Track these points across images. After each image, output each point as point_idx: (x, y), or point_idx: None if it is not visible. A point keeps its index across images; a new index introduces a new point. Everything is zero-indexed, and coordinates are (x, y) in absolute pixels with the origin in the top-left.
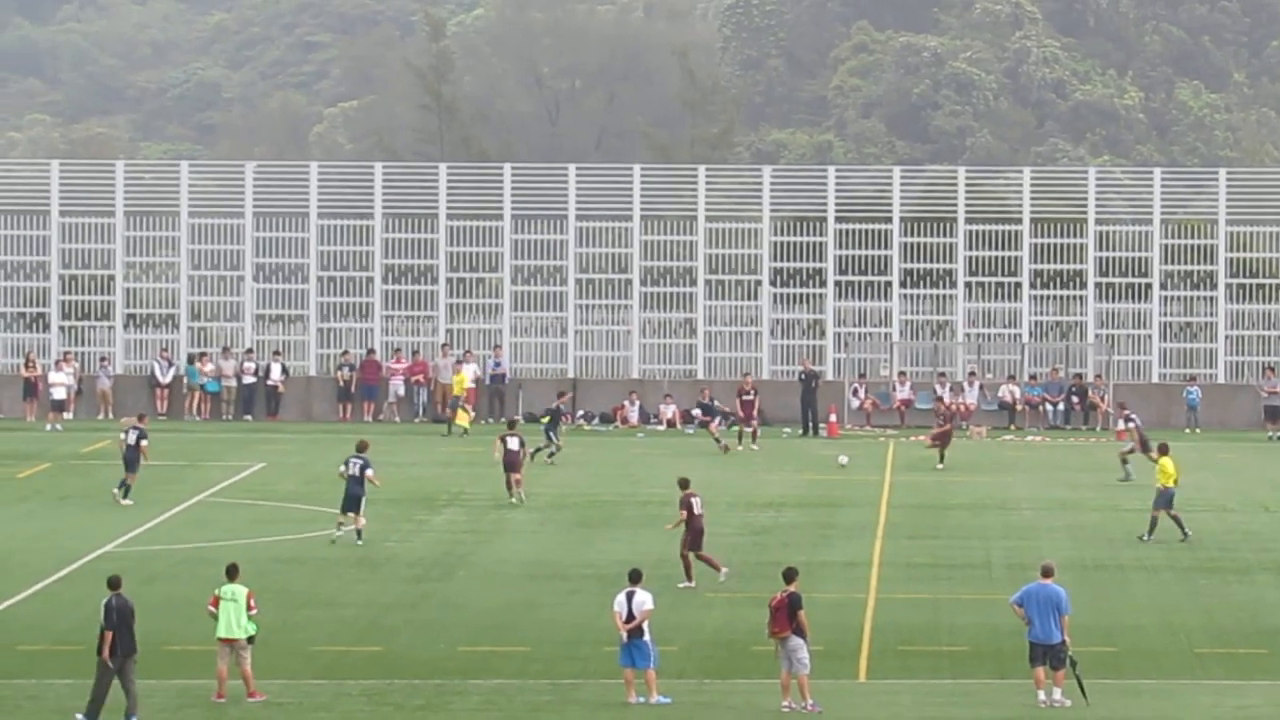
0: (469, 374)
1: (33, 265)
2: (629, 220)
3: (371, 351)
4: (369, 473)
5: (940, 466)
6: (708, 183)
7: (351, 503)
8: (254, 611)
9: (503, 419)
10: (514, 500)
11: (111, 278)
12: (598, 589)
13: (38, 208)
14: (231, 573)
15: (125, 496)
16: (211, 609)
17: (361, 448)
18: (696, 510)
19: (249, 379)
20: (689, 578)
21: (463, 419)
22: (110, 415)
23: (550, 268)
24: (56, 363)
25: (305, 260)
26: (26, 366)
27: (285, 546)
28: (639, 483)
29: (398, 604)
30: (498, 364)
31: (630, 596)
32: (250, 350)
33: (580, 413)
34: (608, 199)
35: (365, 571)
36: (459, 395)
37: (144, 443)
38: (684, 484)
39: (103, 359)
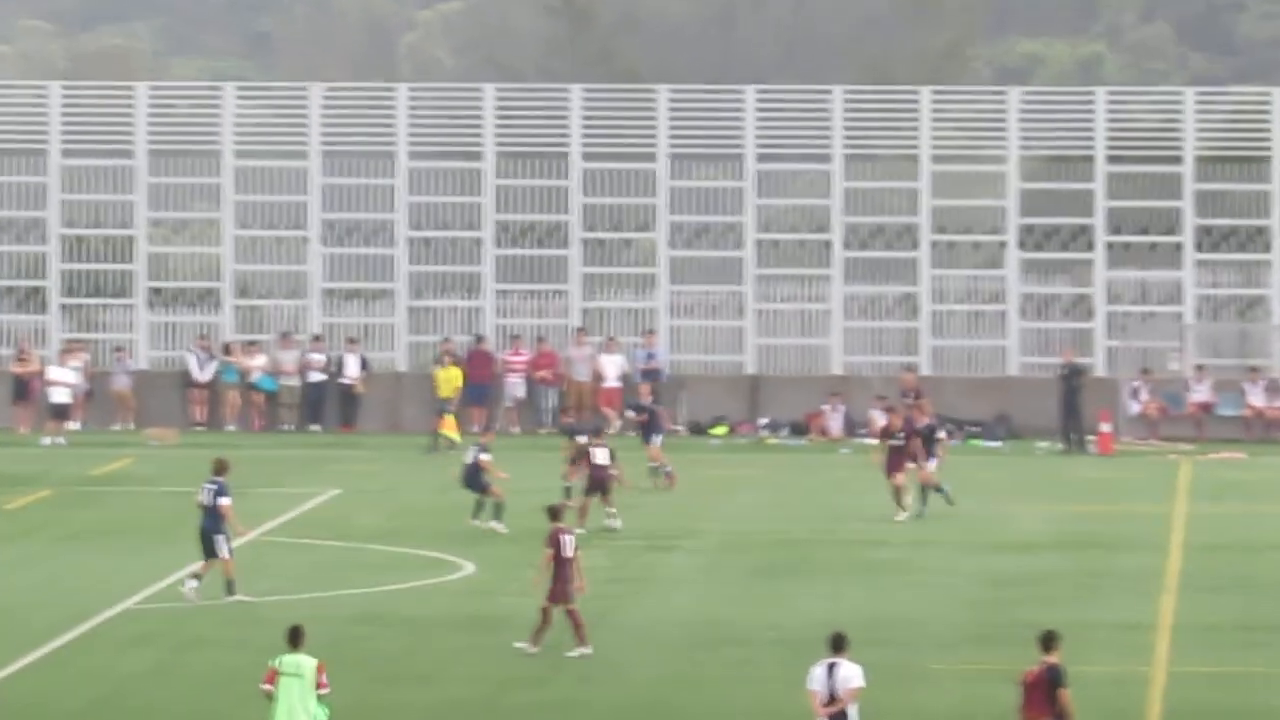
0: (613, 367)
1: (25, 224)
2: (827, 161)
3: (481, 339)
4: (224, 502)
5: None
6: (934, 111)
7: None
8: (325, 690)
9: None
10: (611, 524)
11: (131, 240)
12: (786, 659)
13: (32, 145)
14: (294, 638)
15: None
16: (267, 687)
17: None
18: (566, 552)
19: (316, 375)
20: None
21: (450, 428)
22: (131, 424)
23: (721, 226)
24: (59, 355)
25: (391, 216)
26: (18, 360)
27: (367, 602)
28: (841, 516)
29: (519, 679)
30: (650, 355)
31: (832, 669)
32: (319, 338)
33: (763, 421)
34: (798, 133)
35: (475, 635)
36: (448, 398)
37: (224, 501)
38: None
39: (119, 349)
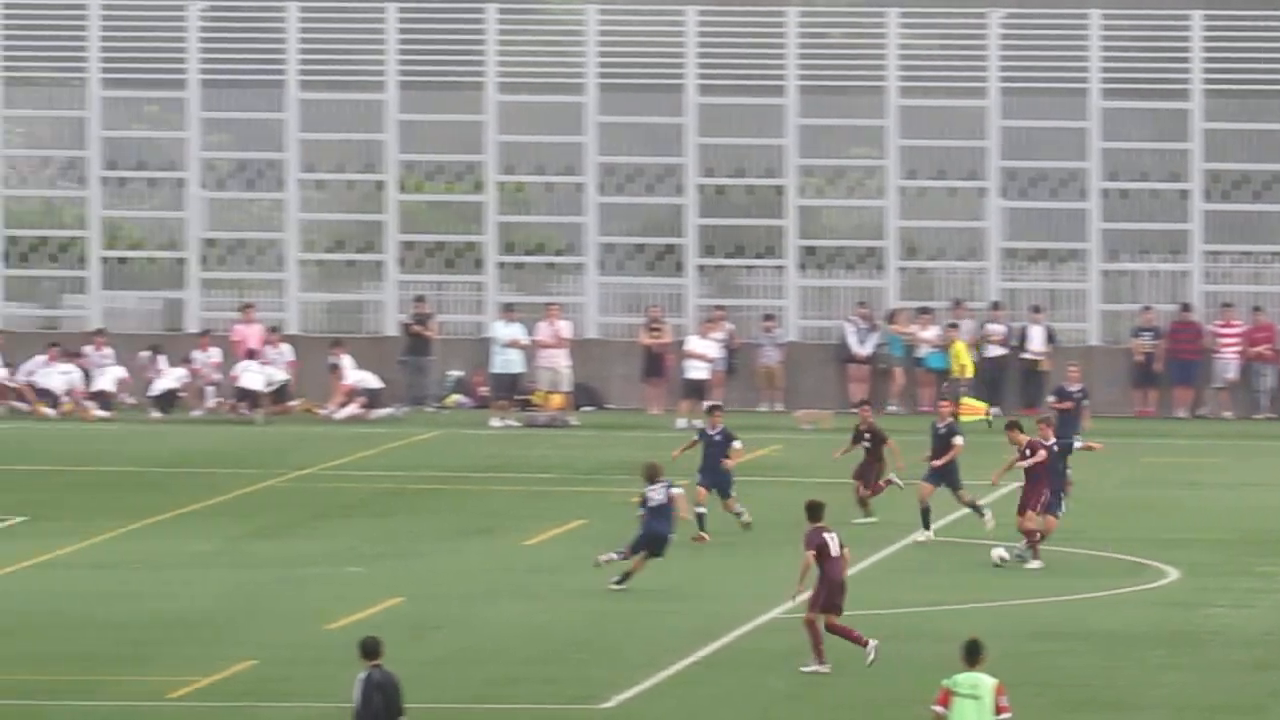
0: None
1: (657, 171)
2: None
3: (1186, 308)
4: (675, 492)
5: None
6: None
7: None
8: (1006, 715)
9: None
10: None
11: (780, 191)
12: None
13: (666, 78)
14: (972, 655)
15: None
16: (939, 709)
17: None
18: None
19: (995, 350)
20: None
21: (974, 411)
22: (779, 404)
23: None
24: (699, 325)
25: (1082, 164)
26: (650, 330)
27: (1050, 613)
28: None
29: (1232, 705)
30: None
31: None
32: (998, 306)
33: None
34: None
35: (1182, 652)
36: (956, 378)
37: (675, 491)
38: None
39: (767, 319)
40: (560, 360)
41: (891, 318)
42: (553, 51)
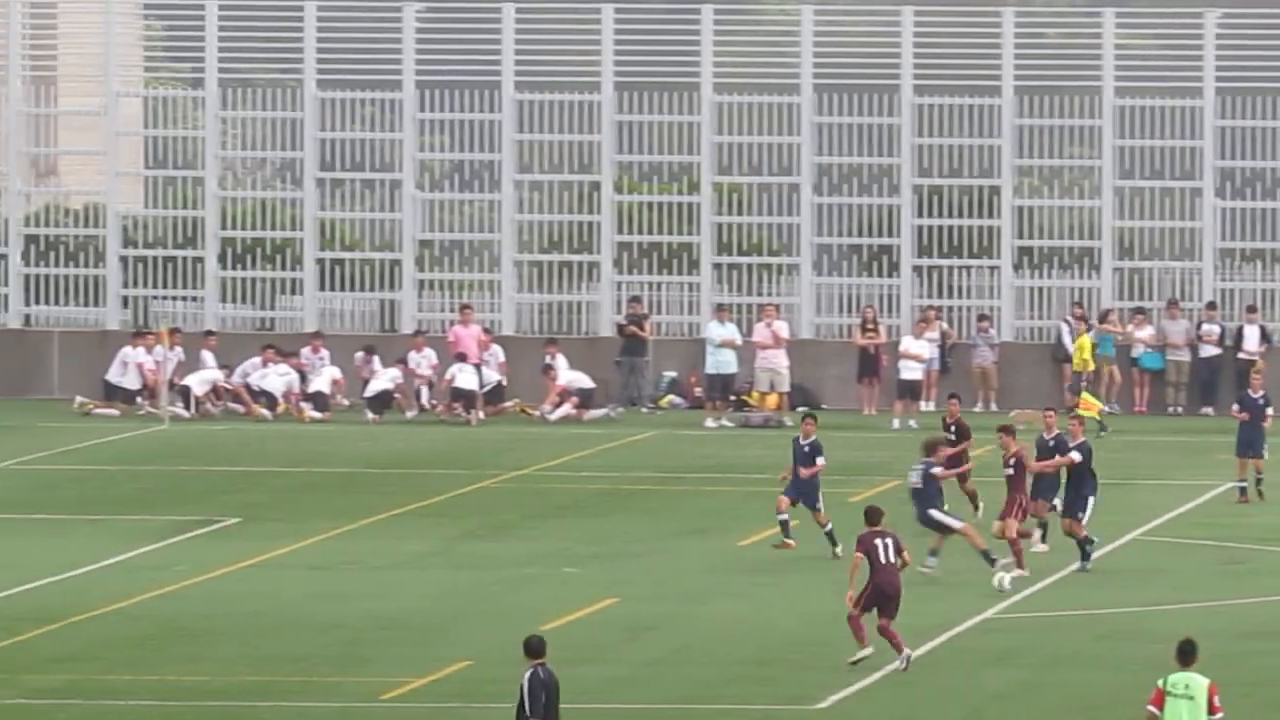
0: None
1: (873, 171)
2: None
3: None
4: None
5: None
6: None
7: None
8: (1219, 715)
9: None
10: None
11: (995, 191)
12: None
13: (881, 80)
14: (1185, 655)
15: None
16: (1153, 709)
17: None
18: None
19: (1209, 350)
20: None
21: (1090, 408)
22: (993, 405)
23: None
24: (914, 324)
25: None
26: (864, 330)
27: (1266, 613)
28: None
29: None
30: None
31: None
32: (1213, 305)
33: None
34: None
35: None
36: (1079, 372)
37: (936, 470)
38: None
39: (982, 319)
40: (779, 361)
41: (1105, 317)
42: (768, 52)
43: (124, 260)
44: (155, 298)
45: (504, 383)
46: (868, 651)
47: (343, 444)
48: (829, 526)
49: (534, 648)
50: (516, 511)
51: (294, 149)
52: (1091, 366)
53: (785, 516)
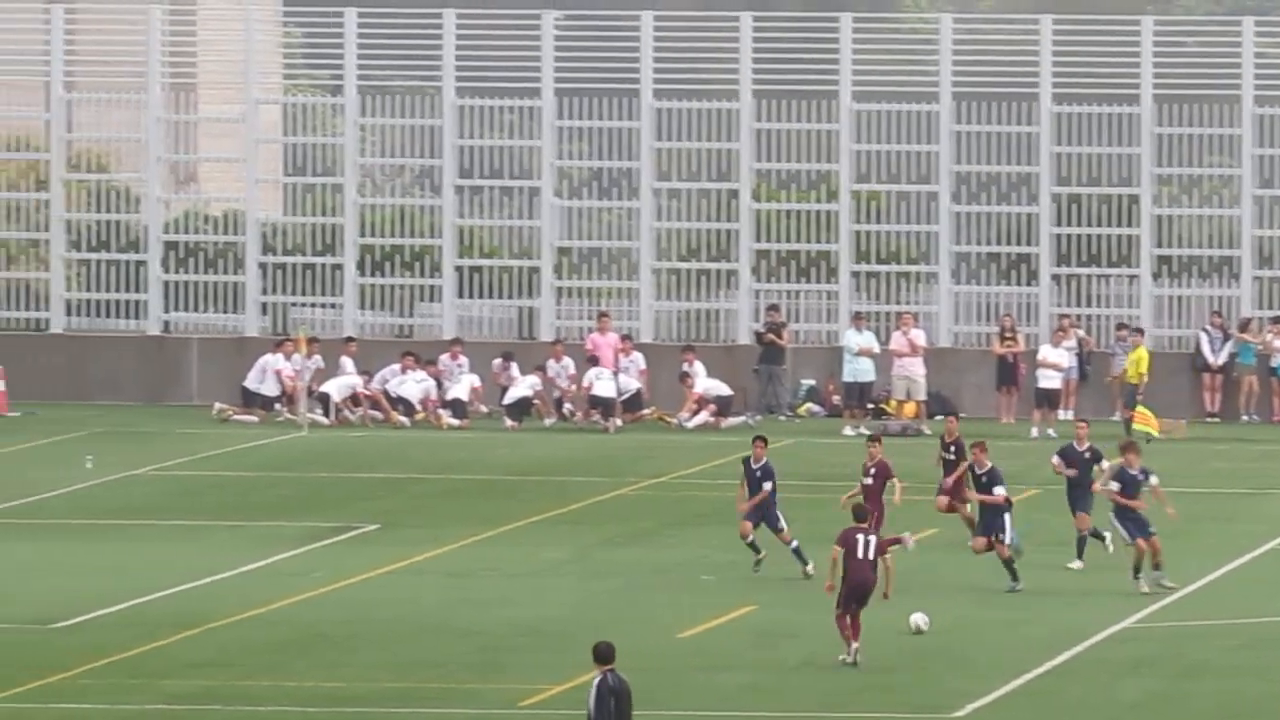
0: None
1: (1011, 179)
2: None
3: None
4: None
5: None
6: None
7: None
8: None
9: None
10: None
11: (1134, 200)
12: None
13: (1021, 89)
14: None
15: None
16: None
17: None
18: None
19: None
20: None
21: (1148, 422)
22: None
23: None
24: (1052, 333)
25: None
26: (1002, 339)
27: None
28: None
29: None
30: None
31: None
32: None
33: None
34: None
35: None
36: (1135, 385)
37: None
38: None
39: (1121, 328)
40: (916, 369)
41: (1244, 326)
42: (907, 60)
43: (263, 267)
44: (293, 305)
45: (643, 390)
46: (855, 650)
47: (481, 451)
48: (794, 544)
49: (603, 654)
50: (654, 519)
51: (433, 156)
52: (1147, 379)
53: (751, 538)
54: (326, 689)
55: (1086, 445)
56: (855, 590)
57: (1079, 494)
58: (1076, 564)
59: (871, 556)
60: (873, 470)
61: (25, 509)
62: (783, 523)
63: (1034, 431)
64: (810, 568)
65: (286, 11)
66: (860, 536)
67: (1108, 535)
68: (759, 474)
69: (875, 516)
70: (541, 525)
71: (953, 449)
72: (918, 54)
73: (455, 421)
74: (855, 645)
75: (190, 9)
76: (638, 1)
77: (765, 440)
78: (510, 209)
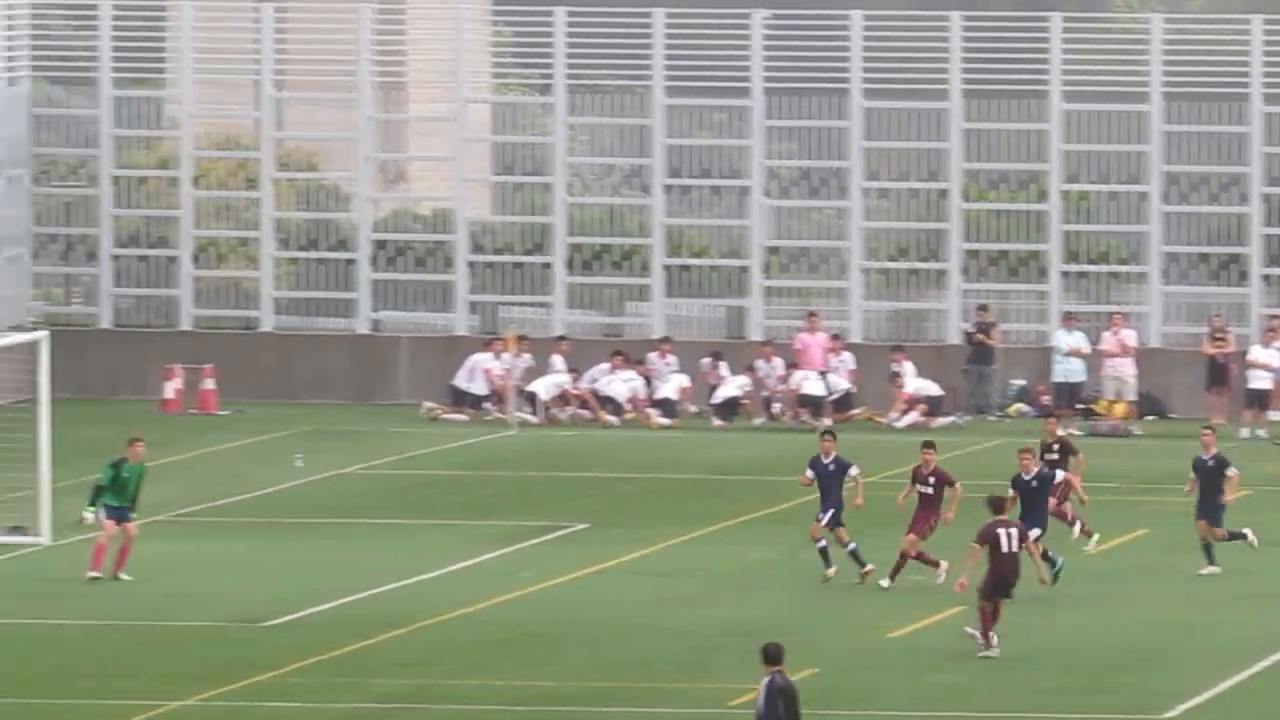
0: None
1: (1221, 180)
2: None
3: None
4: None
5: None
6: None
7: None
8: None
9: None
10: None
11: None
12: None
13: (1230, 89)
14: None
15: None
16: None
17: None
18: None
19: None
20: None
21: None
22: None
23: None
24: (1261, 334)
25: None
26: (1213, 340)
27: None
28: None
29: None
30: None
31: None
32: None
33: None
34: None
35: None
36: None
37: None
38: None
39: None
40: (1126, 369)
41: None
42: (1117, 60)
43: (472, 266)
44: (502, 304)
45: (853, 390)
46: (993, 653)
47: (689, 450)
48: (853, 545)
49: (772, 655)
50: (862, 519)
51: (642, 155)
52: None
53: (824, 542)
54: (535, 688)
55: (1213, 453)
56: (1002, 583)
57: (1205, 502)
58: (1210, 569)
59: (1016, 549)
60: (931, 480)
61: (236, 507)
62: (842, 520)
63: (1244, 432)
64: (833, 571)
65: (496, 10)
66: (1003, 530)
67: (1248, 531)
68: (832, 468)
69: (930, 525)
70: (749, 525)
71: (1056, 448)
72: (1129, 53)
73: (664, 421)
74: (994, 637)
75: (400, 8)
76: (848, 1)
77: (834, 435)
78: (719, 208)
